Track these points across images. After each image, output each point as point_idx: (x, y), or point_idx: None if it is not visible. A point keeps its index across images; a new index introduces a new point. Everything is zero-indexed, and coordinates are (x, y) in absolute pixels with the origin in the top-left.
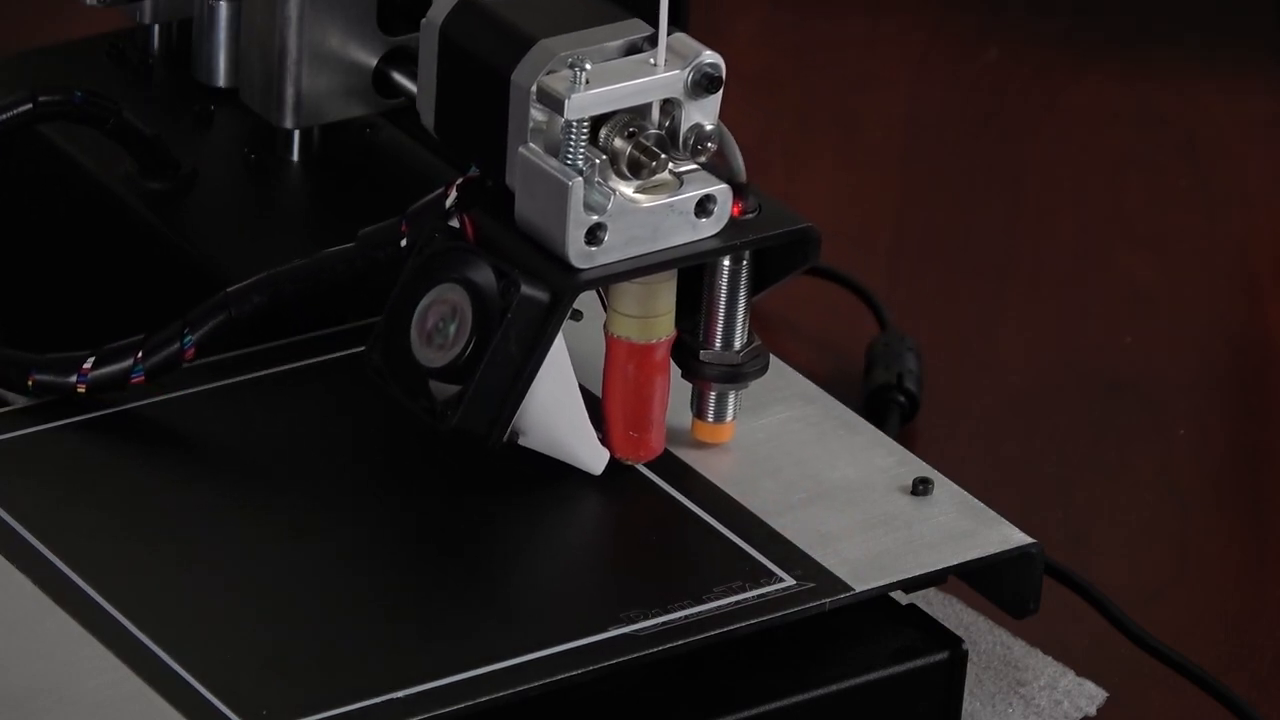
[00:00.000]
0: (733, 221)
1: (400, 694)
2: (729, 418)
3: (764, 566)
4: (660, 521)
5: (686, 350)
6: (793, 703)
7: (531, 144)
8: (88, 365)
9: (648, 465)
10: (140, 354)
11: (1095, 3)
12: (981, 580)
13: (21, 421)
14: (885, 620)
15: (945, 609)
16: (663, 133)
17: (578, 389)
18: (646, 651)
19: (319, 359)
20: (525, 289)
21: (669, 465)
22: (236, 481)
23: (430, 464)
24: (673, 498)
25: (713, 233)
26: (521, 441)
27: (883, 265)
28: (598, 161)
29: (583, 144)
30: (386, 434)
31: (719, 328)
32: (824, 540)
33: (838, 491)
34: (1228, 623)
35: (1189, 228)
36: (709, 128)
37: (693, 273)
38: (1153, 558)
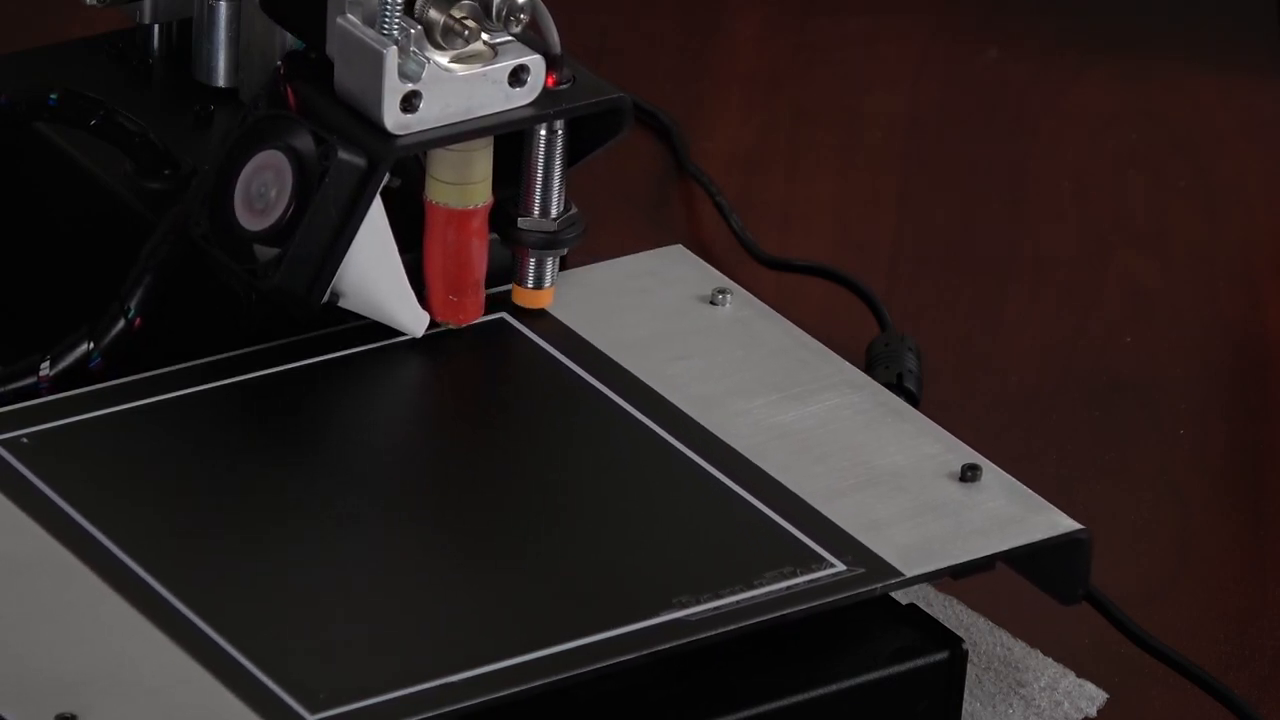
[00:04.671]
0: (547, 92)
1: (457, 677)
2: (547, 283)
3: (814, 552)
4: (710, 507)
5: (505, 218)
6: (793, 702)
7: (349, 15)
8: (45, 371)
9: (469, 327)
10: (91, 343)
11: (1095, 2)
12: (1029, 566)
13: (77, 407)
14: (885, 620)
15: (945, 609)
16: (476, 4)
17: (397, 254)
18: (699, 636)
19: (367, 347)
20: (342, 154)
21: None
22: (288, 470)
23: (480, 453)
24: (721, 483)
25: (526, 102)
26: (342, 303)
27: (883, 265)
28: (413, 31)
29: (398, 14)
30: (429, 428)
31: (536, 196)
32: (874, 526)
33: (887, 478)
34: (1228, 623)
35: (1189, 228)
36: (521, 0)
37: (513, 143)
38: (1153, 558)
